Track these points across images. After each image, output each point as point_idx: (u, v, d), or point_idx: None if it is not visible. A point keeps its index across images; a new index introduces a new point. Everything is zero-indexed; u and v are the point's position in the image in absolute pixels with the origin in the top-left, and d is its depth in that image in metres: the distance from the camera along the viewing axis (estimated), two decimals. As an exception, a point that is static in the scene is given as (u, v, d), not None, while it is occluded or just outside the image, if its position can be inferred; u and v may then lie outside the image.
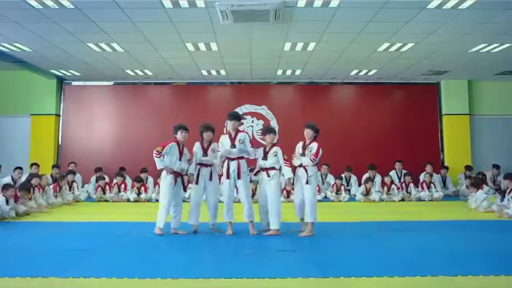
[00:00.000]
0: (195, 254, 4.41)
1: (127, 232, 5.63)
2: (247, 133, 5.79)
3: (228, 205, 5.51)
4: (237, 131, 5.64)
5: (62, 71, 10.67)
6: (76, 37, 7.84)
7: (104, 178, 10.23)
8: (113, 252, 4.49)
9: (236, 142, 5.55)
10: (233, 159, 5.54)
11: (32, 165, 9.21)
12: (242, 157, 5.57)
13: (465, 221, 6.73)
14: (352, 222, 6.53)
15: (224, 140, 5.66)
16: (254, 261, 4.09)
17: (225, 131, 5.81)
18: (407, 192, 9.97)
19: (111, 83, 11.94)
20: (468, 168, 10.98)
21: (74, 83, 11.86)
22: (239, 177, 5.49)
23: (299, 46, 8.49)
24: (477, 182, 8.48)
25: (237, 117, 5.75)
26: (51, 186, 8.62)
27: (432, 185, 10.08)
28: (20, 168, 8.65)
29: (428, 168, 10.82)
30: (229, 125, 5.66)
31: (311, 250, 4.56)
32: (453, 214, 7.41)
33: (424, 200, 9.78)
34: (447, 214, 7.47)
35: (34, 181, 7.74)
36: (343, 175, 10.70)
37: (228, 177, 5.51)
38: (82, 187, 10.38)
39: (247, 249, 4.63)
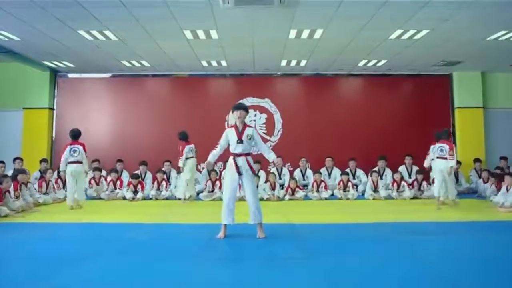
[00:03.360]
0: (192, 262, 3.88)
1: (118, 236, 5.12)
2: (254, 128, 5.14)
3: (229, 205, 4.95)
4: (245, 125, 5.01)
5: (55, 62, 10.14)
6: (66, 24, 7.29)
7: (100, 170, 9.72)
8: (100, 260, 3.96)
9: (244, 137, 4.93)
10: (239, 155, 4.95)
11: (15, 159, 8.60)
12: (249, 153, 4.99)
13: (492, 222, 6.10)
14: (364, 223, 5.97)
15: (230, 133, 5.00)
16: (259, 271, 3.57)
17: (226, 126, 5.18)
18: (420, 189, 9.41)
19: (108, 75, 11.42)
20: (477, 160, 10.45)
21: (68, 75, 11.35)
22: (240, 174, 4.90)
23: (305, 34, 7.92)
24: (499, 174, 7.94)
25: (245, 108, 5.09)
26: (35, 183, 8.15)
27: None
28: (2, 162, 8.15)
29: None
30: (235, 116, 4.97)
31: (322, 257, 4.03)
32: (474, 214, 6.79)
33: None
34: (467, 214, 6.87)
35: (21, 177, 7.21)
36: (348, 170, 10.15)
37: (234, 174, 4.92)
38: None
39: (250, 256, 4.11)
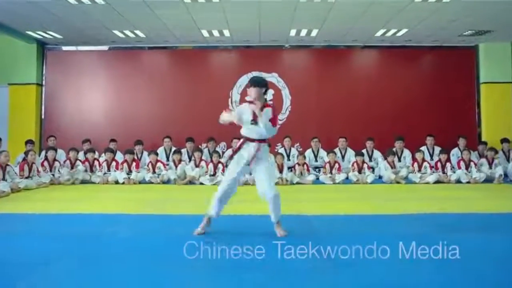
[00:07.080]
0: (183, 272, 3.04)
1: (98, 231, 4.26)
2: (272, 107, 4.01)
3: (223, 194, 4.01)
4: (265, 104, 3.97)
5: (40, 32, 9.18)
6: (42, -18, 6.34)
7: (94, 151, 8.88)
8: (65, 266, 3.14)
9: (259, 119, 3.92)
10: (252, 140, 3.98)
11: None
12: (265, 140, 4.01)
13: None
14: (388, 215, 5.09)
15: (244, 110, 4.03)
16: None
17: (229, 102, 4.16)
18: (443, 172, 8.49)
19: (100, 48, 10.48)
20: (505, 140, 9.45)
21: (58, 48, 10.42)
22: (249, 164, 3.98)
23: (319, -6, 6.91)
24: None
25: (258, 82, 3.99)
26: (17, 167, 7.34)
27: (472, 163, 8.57)
28: None
29: (461, 142, 9.28)
30: (253, 93, 3.95)
31: (347, 266, 3.17)
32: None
33: (461, 182, 8.30)
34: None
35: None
36: (364, 151, 9.23)
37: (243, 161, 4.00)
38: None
39: (253, 265, 3.25)
